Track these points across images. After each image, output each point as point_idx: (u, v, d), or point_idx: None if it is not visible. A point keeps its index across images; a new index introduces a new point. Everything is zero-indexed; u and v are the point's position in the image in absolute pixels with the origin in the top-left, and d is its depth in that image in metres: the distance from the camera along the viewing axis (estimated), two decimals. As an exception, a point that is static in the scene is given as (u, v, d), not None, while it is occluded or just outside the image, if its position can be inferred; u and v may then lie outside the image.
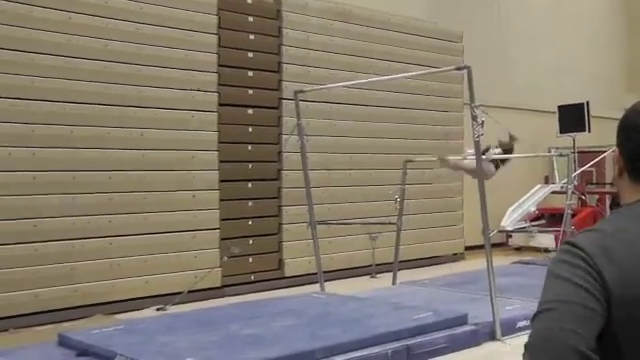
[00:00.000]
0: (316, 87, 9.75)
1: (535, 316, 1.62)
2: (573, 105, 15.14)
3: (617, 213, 1.79)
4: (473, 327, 6.82)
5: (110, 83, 8.83)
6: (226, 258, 9.66)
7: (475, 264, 10.75)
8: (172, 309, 8.54)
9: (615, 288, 1.57)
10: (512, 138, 8.92)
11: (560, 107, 15.38)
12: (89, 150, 8.65)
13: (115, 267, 8.81)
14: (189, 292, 8.94)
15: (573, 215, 8.86)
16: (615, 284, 1.57)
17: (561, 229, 7.54)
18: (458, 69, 8.02)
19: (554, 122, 15.35)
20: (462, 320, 6.88)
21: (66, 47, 8.48)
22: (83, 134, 8.59)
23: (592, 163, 14.17)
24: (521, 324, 6.98)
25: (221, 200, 9.91)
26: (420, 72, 9.20)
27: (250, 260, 10.23)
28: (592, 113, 15.05)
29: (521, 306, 7.43)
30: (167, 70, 9.36)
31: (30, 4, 8.19)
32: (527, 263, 10.65)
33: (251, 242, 10.26)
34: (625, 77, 20.04)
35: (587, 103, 14.92)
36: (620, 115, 1.86)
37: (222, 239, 9.87)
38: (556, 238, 9.15)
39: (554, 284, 1.63)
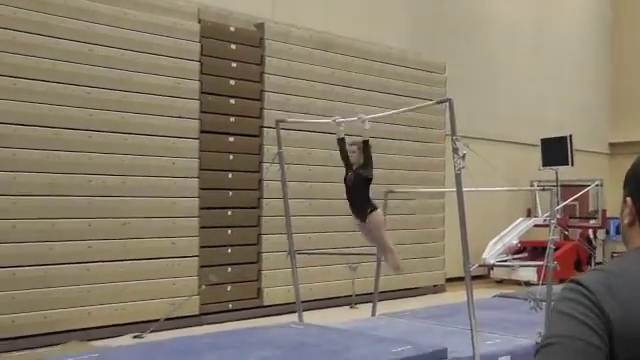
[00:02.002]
0: (298, 117, 9.71)
1: (538, 350, 1.66)
2: (556, 138, 15.18)
3: (624, 256, 1.82)
4: (452, 361, 6.74)
5: (93, 109, 8.79)
6: (204, 286, 9.57)
7: (456, 296, 10.67)
8: (149, 337, 8.45)
9: (618, 326, 1.61)
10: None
11: (543, 140, 15.41)
12: (69, 175, 8.58)
13: (92, 293, 8.71)
14: (166, 320, 8.84)
15: (556, 249, 8.79)
16: (618, 322, 1.61)
17: (543, 263, 7.46)
18: (440, 102, 7.95)
19: (537, 154, 15.38)
20: (441, 354, 6.79)
21: (52, 72, 8.46)
22: (64, 159, 8.53)
23: (575, 197, 14.17)
24: (501, 359, 6.90)
25: (201, 228, 9.83)
26: (403, 110, 9.08)
27: (229, 288, 10.14)
28: (575, 146, 15.08)
29: (502, 341, 7.34)
30: (150, 96, 9.32)
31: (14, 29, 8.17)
32: (509, 297, 10.56)
33: (230, 270, 10.17)
34: (609, 110, 20.14)
35: (570, 136, 14.95)
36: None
37: (201, 267, 9.78)
38: (538, 272, 9.09)
39: (558, 320, 1.68)
